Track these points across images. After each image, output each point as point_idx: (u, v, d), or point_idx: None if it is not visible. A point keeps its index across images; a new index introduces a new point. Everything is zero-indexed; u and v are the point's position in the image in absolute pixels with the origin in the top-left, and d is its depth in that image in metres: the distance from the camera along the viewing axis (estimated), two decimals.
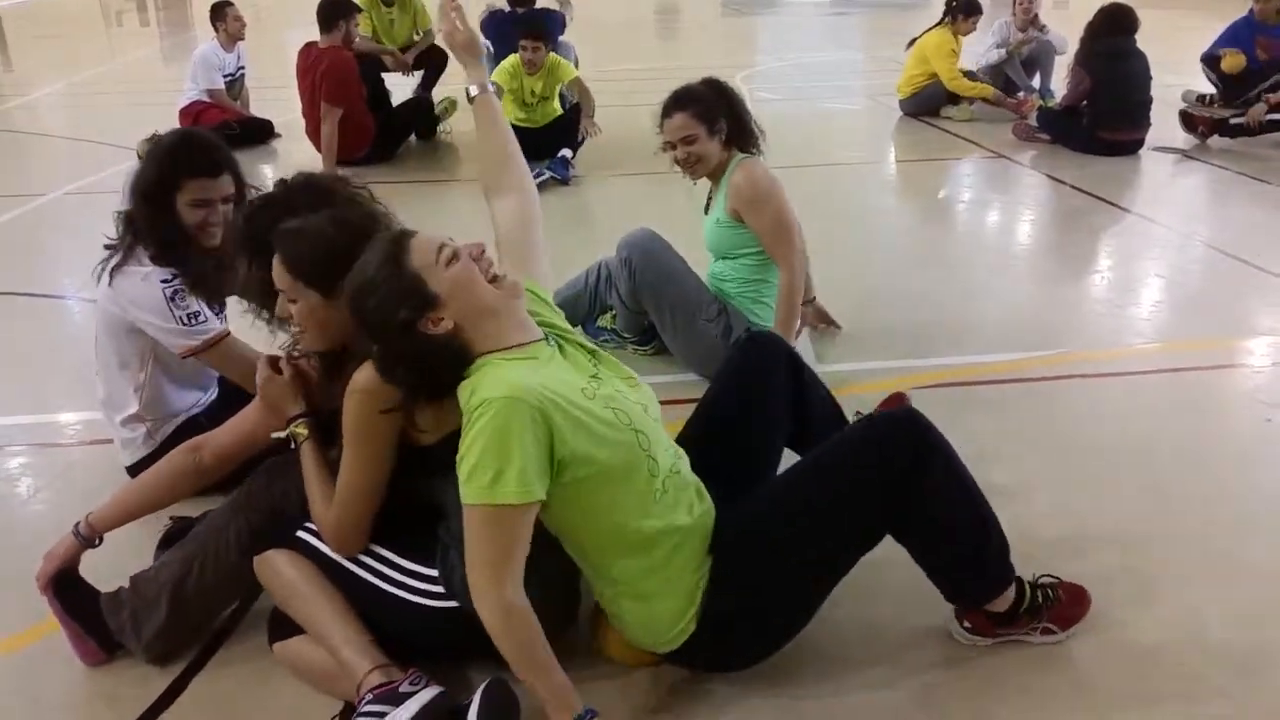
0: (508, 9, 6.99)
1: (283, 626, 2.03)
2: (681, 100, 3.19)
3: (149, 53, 13.35)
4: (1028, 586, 2.10)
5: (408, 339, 1.78)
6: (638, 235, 3.34)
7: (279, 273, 1.94)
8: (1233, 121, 6.54)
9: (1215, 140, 6.59)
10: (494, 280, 1.84)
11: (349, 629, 1.93)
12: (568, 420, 1.73)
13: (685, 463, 1.99)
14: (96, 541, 2.14)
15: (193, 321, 2.45)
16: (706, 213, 3.42)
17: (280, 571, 2.00)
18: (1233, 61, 7.07)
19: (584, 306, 3.55)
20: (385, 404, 1.82)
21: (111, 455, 2.77)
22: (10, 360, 3.83)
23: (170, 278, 2.43)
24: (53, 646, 2.18)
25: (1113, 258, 4.81)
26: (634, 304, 3.34)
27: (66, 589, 2.13)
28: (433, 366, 1.81)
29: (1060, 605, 2.12)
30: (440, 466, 1.88)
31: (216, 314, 2.59)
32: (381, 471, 1.92)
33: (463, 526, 1.76)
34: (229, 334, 2.52)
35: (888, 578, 2.16)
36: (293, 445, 2.02)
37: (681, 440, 2.10)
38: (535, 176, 5.71)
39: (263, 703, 2.03)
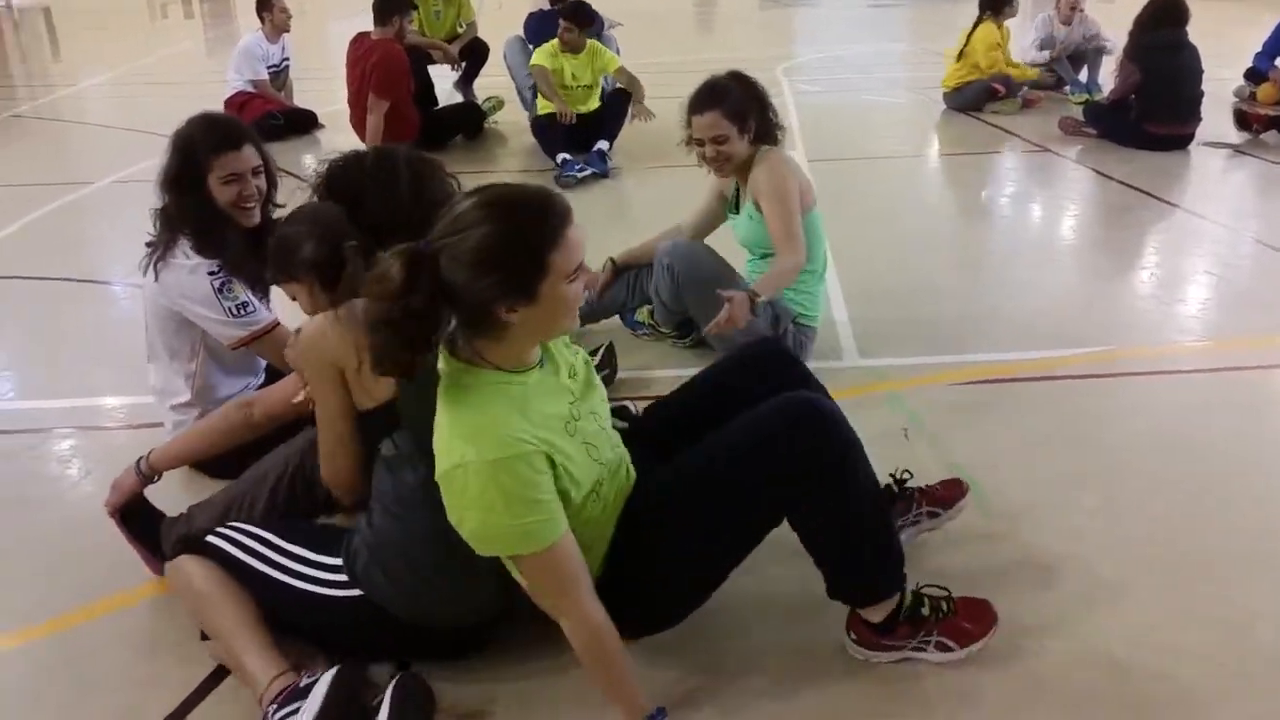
0: (549, 8, 6.99)
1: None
2: (712, 97, 3.12)
3: (193, 44, 13.50)
4: (909, 594, 2.01)
5: (467, 306, 1.63)
6: (679, 244, 3.32)
7: None
8: None
9: (1269, 135, 6.45)
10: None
11: (253, 637, 1.92)
12: (556, 465, 1.71)
13: (617, 450, 1.94)
14: (155, 478, 2.28)
15: (241, 312, 2.48)
16: (736, 211, 3.40)
17: (190, 581, 1.99)
18: (1269, 92, 7.01)
19: (620, 299, 3.55)
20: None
21: (157, 439, 2.79)
22: (58, 345, 3.89)
23: (216, 269, 2.46)
24: (103, 626, 2.22)
25: (1160, 253, 4.72)
26: (676, 305, 3.33)
27: (132, 515, 2.29)
28: (429, 334, 1.64)
29: (956, 618, 2.01)
30: (372, 435, 1.94)
31: (262, 300, 2.61)
32: (339, 400, 1.97)
33: (386, 521, 1.91)
34: (278, 323, 2.56)
35: None
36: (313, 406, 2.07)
37: (653, 409, 2.25)
38: (579, 172, 5.73)
39: None
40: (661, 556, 1.88)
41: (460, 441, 1.64)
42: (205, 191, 2.47)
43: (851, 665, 2.05)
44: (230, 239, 2.50)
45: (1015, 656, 2.07)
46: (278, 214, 2.65)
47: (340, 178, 2.17)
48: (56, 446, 3.08)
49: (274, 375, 2.79)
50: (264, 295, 2.63)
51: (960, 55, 7.47)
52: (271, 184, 2.61)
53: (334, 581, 1.96)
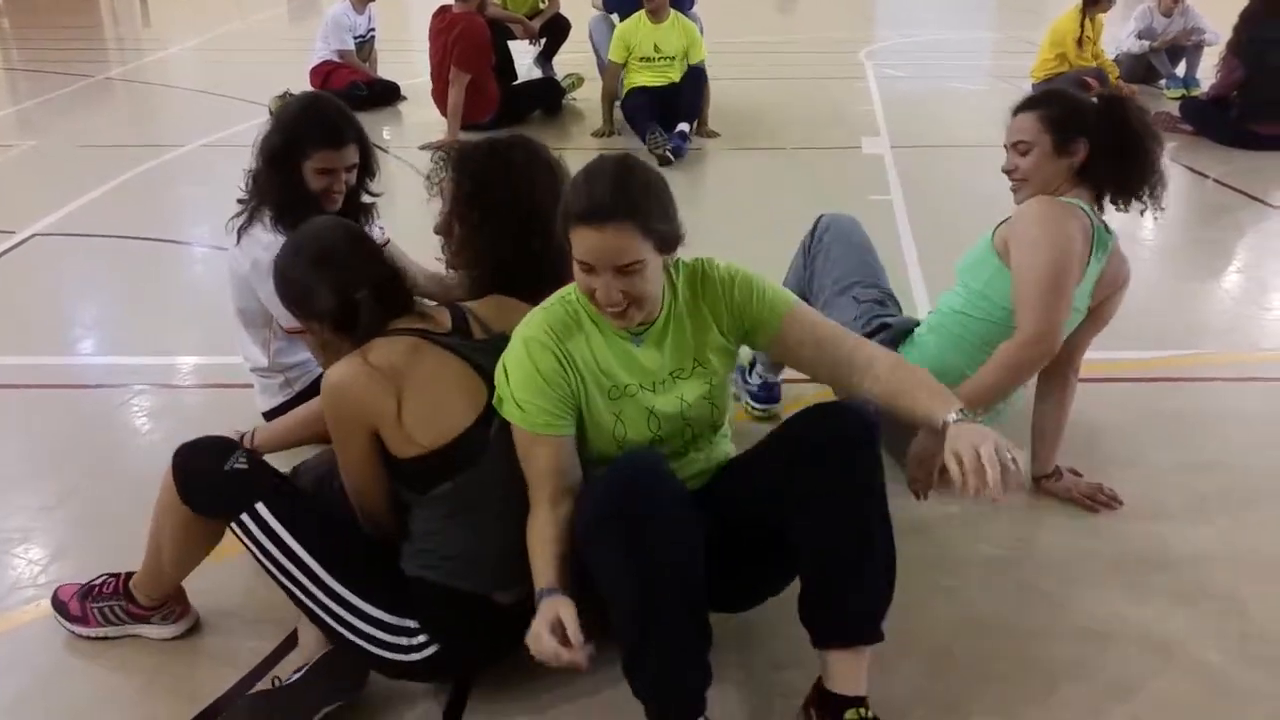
0: None
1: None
2: (1038, 100, 2.45)
3: (277, 12, 13.67)
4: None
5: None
6: (841, 216, 2.95)
7: None
8: None
9: None
10: (604, 308, 1.77)
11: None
12: (571, 384, 1.79)
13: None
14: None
15: None
16: None
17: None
18: None
19: None
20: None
21: (232, 398, 2.87)
22: (142, 303, 3.98)
23: None
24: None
25: (1257, 257, 4.55)
26: (803, 265, 2.91)
27: None
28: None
29: None
30: (415, 482, 1.84)
31: None
32: (368, 471, 1.85)
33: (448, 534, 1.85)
34: None
35: None
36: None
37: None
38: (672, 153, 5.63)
39: None
40: None
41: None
42: (298, 174, 2.48)
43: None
44: (310, 218, 2.51)
45: (1099, 663, 2.02)
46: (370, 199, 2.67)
47: (482, 169, 2.04)
48: (135, 402, 3.14)
49: None
50: None
51: (1079, 40, 7.23)
52: (369, 174, 2.62)
53: (403, 646, 1.84)
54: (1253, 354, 3.45)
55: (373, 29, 7.53)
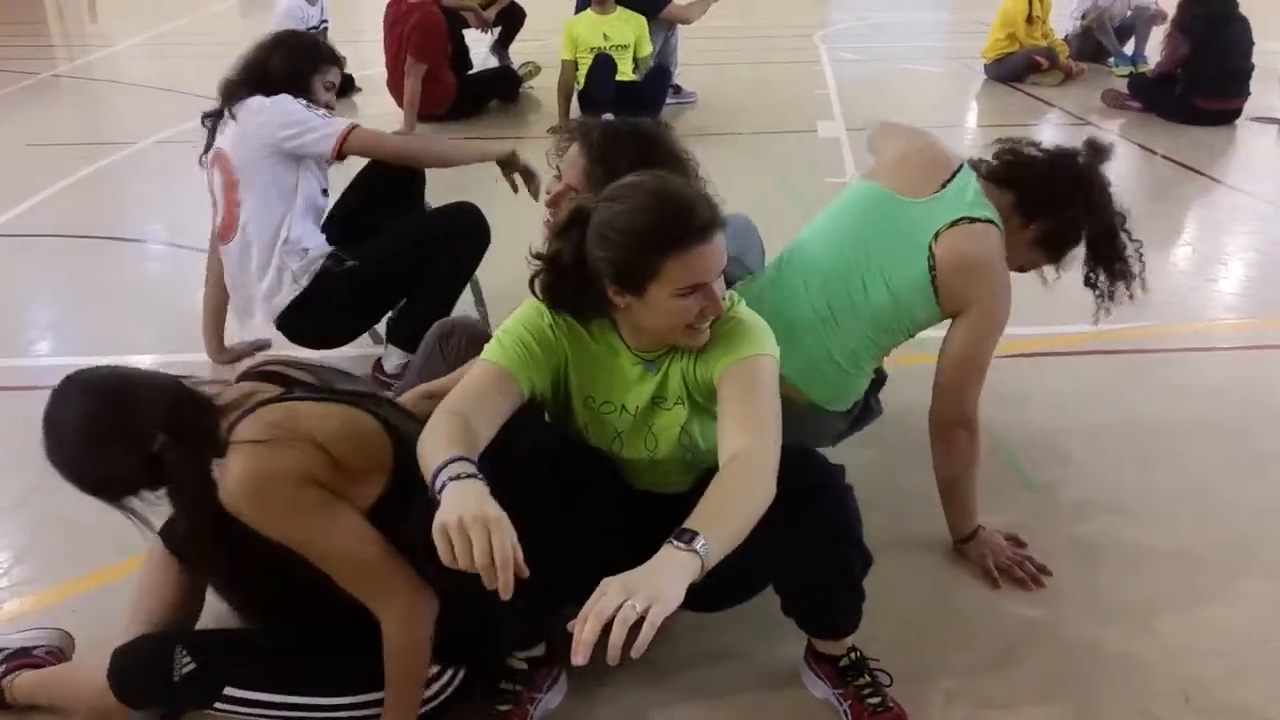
0: None
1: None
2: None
3: (227, 5, 13.49)
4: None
5: (592, 272, 1.63)
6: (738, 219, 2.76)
7: None
8: None
9: None
10: (697, 329, 1.64)
11: None
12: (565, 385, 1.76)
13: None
14: None
15: (329, 115, 2.81)
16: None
17: None
18: None
19: None
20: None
21: None
22: (95, 302, 3.93)
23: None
24: None
25: (1203, 230, 4.66)
26: None
27: None
28: (572, 292, 1.70)
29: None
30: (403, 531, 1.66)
31: None
32: (366, 535, 1.61)
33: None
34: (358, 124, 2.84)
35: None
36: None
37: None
38: None
39: None
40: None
41: None
42: (310, 92, 2.87)
43: None
44: None
45: (1056, 629, 2.08)
46: None
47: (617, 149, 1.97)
48: None
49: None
50: None
51: (1029, 19, 7.31)
52: None
53: (434, 692, 1.76)
54: (1200, 325, 3.53)
55: (325, 20, 7.42)
